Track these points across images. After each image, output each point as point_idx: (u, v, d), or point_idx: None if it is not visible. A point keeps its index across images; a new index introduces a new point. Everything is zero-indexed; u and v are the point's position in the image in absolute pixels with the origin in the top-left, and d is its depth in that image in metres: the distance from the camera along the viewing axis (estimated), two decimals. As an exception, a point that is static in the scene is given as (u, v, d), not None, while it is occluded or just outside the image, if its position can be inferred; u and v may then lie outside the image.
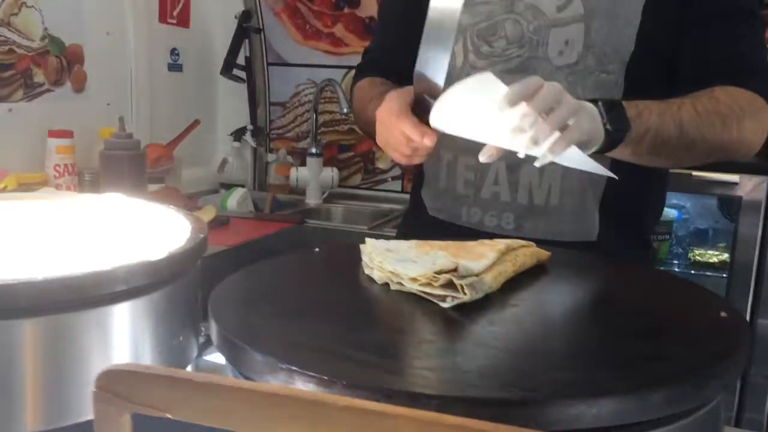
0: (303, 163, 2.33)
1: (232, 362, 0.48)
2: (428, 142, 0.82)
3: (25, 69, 1.67)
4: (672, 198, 1.80)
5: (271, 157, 2.46)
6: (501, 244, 0.68)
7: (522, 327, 0.54)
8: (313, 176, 2.26)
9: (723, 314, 0.54)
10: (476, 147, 1.02)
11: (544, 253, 0.71)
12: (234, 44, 2.30)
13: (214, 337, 0.53)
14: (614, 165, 0.95)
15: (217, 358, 0.84)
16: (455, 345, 0.49)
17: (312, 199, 2.26)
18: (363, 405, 0.33)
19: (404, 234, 1.22)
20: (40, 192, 0.89)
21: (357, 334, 0.49)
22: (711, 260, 1.67)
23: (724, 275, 1.71)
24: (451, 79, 1.06)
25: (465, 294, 0.56)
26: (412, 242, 0.71)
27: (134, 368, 0.37)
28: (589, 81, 0.96)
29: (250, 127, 2.43)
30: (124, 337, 0.64)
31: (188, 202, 1.75)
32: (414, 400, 0.36)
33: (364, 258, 0.69)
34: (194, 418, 0.36)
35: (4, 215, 0.76)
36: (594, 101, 0.81)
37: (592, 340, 0.51)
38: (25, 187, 1.53)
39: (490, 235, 1.02)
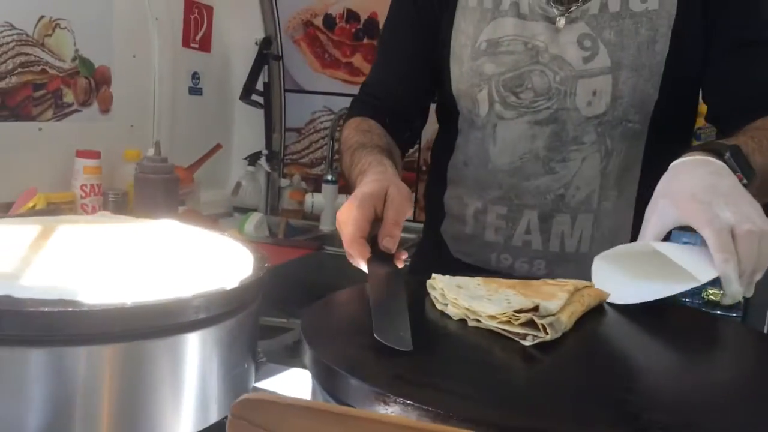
0: (316, 189, 2.36)
1: (331, 391, 0.49)
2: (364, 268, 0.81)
3: (55, 89, 1.69)
4: (683, 237, 1.83)
5: (284, 182, 2.48)
6: (569, 284, 0.70)
7: (603, 365, 0.56)
8: (328, 202, 2.28)
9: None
10: (508, 195, 1.04)
11: (605, 294, 0.74)
12: (253, 70, 2.34)
13: (307, 362, 0.55)
14: (641, 202, 0.97)
15: (267, 384, 0.86)
16: (543, 379, 0.51)
17: (326, 226, 2.28)
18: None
19: (424, 271, 1.22)
20: (97, 216, 0.91)
21: (452, 367, 0.51)
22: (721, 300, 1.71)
23: (734, 314, 1.73)
24: (474, 127, 1.07)
25: (547, 333, 0.58)
26: (478, 279, 0.73)
27: (271, 398, 0.39)
28: (617, 131, 0.98)
29: (265, 151, 2.46)
30: (194, 365, 0.65)
31: (210, 226, 1.76)
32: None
33: (434, 293, 0.71)
34: (330, 449, 0.38)
35: (68, 239, 0.77)
36: (717, 152, 0.76)
37: (691, 384, 0.54)
38: (54, 206, 1.54)
39: (522, 279, 1.05)
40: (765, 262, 0.66)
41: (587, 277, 1.02)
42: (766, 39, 0.96)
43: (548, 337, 0.58)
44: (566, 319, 0.61)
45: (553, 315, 0.59)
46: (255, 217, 2.12)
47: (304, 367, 0.93)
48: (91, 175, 1.67)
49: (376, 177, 0.88)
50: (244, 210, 2.33)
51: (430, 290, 0.73)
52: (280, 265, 1.72)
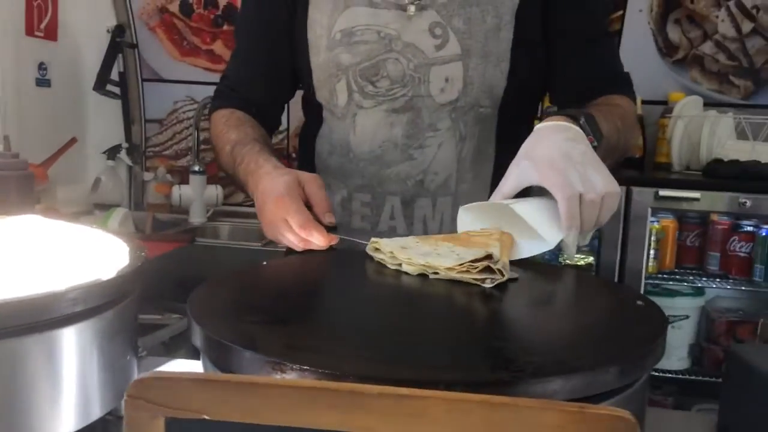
0: (183, 181, 2.29)
1: (225, 368, 0.50)
2: (327, 243, 0.86)
3: None
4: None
5: (148, 175, 2.39)
6: (494, 233, 0.78)
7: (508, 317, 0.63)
8: (197, 194, 2.22)
9: (639, 303, 0.64)
10: (371, 183, 1.06)
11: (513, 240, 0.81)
12: (107, 59, 2.23)
13: (199, 343, 0.54)
14: (495, 184, 1.03)
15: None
16: (430, 336, 0.55)
17: (196, 218, 2.22)
18: (396, 391, 0.38)
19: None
20: (-54, 215, 0.84)
21: (342, 332, 0.53)
22: (579, 263, 1.85)
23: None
24: (335, 117, 1.07)
25: (503, 275, 0.68)
26: (414, 237, 0.81)
27: (168, 374, 0.39)
28: (470, 116, 1.03)
29: (125, 145, 2.35)
30: (72, 360, 0.63)
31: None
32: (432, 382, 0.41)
33: (380, 255, 0.78)
34: (232, 417, 0.39)
35: None
36: (574, 118, 0.85)
37: (557, 329, 0.60)
38: None
39: None
40: (601, 221, 0.78)
41: None
42: (599, 32, 1.08)
43: (504, 278, 0.68)
44: (507, 261, 0.71)
45: (500, 260, 0.69)
46: (119, 213, 2.03)
47: (186, 357, 0.92)
48: (-72, 176, 1.52)
49: (277, 172, 0.92)
50: (106, 206, 2.22)
51: (373, 254, 0.79)
52: (151, 260, 1.66)
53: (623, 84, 1.07)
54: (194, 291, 0.65)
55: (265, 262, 0.79)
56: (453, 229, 1.06)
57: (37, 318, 0.59)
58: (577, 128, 0.83)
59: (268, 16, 1.10)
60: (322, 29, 1.04)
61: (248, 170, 0.97)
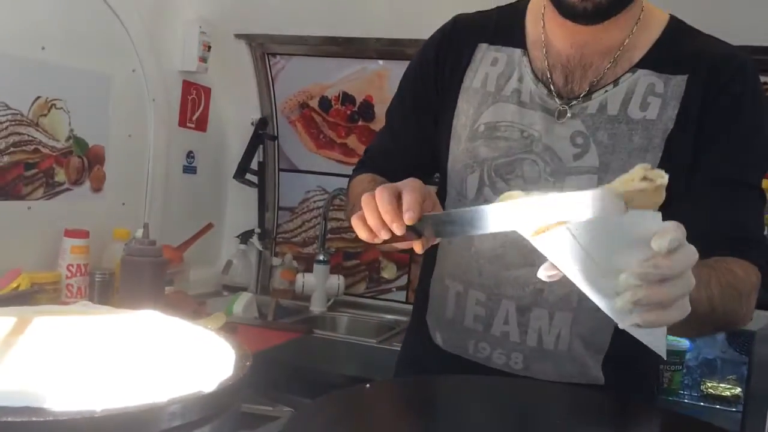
0: (307, 269, 2.33)
1: None
2: (397, 229, 0.78)
3: (47, 168, 1.69)
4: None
5: (276, 261, 2.46)
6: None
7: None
8: (319, 283, 2.25)
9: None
10: (488, 282, 1.03)
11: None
12: (249, 149, 2.36)
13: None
14: None
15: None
16: None
17: (317, 307, 2.24)
18: None
19: (405, 366, 1.20)
20: (77, 306, 0.88)
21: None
22: (724, 393, 1.66)
23: (734, 410, 1.68)
24: (451, 200, 1.05)
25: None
26: None
27: None
28: None
29: (257, 230, 2.45)
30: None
31: (198, 308, 1.73)
32: None
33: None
34: None
35: (42, 333, 0.74)
36: None
37: None
38: (38, 286, 1.51)
39: (498, 373, 1.02)
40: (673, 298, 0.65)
41: (567, 374, 1.00)
42: (744, 183, 0.96)
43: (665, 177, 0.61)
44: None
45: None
46: (244, 298, 2.08)
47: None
48: (78, 254, 1.64)
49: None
50: (234, 289, 2.30)
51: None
52: (267, 350, 1.68)
53: (753, 249, 0.93)
54: (294, 415, 0.61)
55: (368, 385, 0.75)
56: (572, 347, 0.98)
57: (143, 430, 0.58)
58: None
59: (419, 101, 1.12)
60: (467, 119, 1.05)
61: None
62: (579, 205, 0.61)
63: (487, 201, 1.00)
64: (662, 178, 0.63)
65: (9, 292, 1.44)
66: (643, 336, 0.70)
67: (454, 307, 1.06)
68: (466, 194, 1.04)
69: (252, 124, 2.38)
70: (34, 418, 0.53)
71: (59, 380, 0.60)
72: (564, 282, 0.96)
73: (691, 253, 0.65)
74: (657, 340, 0.71)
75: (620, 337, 0.98)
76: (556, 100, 1.00)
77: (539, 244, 0.67)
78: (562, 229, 0.63)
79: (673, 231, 0.63)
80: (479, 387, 0.84)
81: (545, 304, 0.99)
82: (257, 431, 1.43)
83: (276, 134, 2.45)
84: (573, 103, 0.99)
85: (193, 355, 0.74)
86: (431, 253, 1.12)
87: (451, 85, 1.07)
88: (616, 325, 0.97)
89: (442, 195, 1.11)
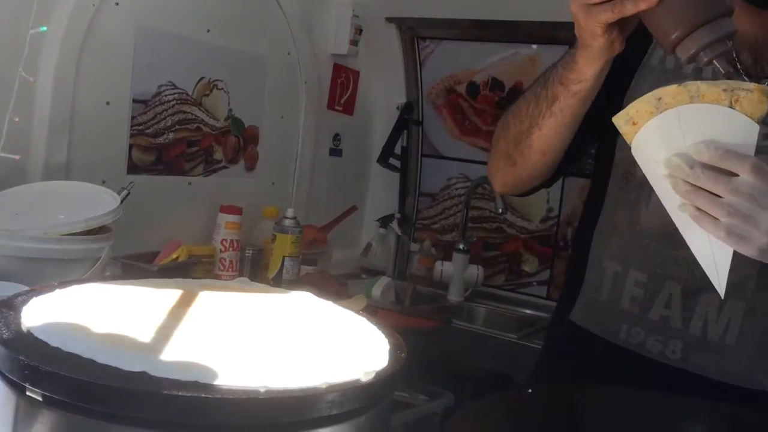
0: (446, 257, 2.30)
1: None
2: None
3: (207, 146, 1.77)
4: None
5: (414, 246, 2.45)
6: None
7: None
8: (458, 272, 2.21)
9: None
10: (652, 262, 0.96)
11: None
12: (393, 134, 2.35)
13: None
14: None
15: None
16: None
17: (454, 296, 2.21)
18: None
19: (548, 359, 1.15)
20: (236, 282, 0.90)
21: None
22: None
23: None
24: (629, 188, 0.99)
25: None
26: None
27: None
28: None
29: (397, 215, 2.45)
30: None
31: (340, 289, 1.75)
32: None
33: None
34: None
35: (207, 307, 0.76)
36: None
37: None
38: (195, 258, 1.58)
39: (648, 362, 0.95)
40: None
41: (731, 373, 0.89)
42: None
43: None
44: None
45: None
46: (383, 282, 2.09)
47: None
48: (231, 230, 1.71)
49: None
50: (373, 272, 2.32)
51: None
52: (406, 335, 1.66)
53: None
54: (455, 417, 0.58)
55: (530, 390, 0.70)
56: (741, 342, 0.89)
57: (298, 416, 0.58)
58: None
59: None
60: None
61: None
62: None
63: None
64: None
65: (169, 263, 1.52)
66: (703, 257, 0.73)
67: (610, 288, 1.00)
68: (635, 172, 0.98)
69: (397, 108, 2.38)
70: (203, 394, 0.54)
71: (223, 356, 0.61)
72: (739, 265, 0.88)
73: (764, 191, 0.67)
74: (717, 270, 0.72)
75: None
76: (745, 78, 0.91)
77: (638, 137, 0.72)
78: (671, 112, 0.69)
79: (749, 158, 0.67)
80: (634, 399, 0.77)
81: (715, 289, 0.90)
82: (393, 417, 1.42)
83: (421, 119, 2.43)
84: (764, 83, 0.90)
85: (347, 341, 0.73)
86: (585, 238, 1.07)
87: (629, 63, 1.00)
88: None
89: (604, 176, 1.05)
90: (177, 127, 1.67)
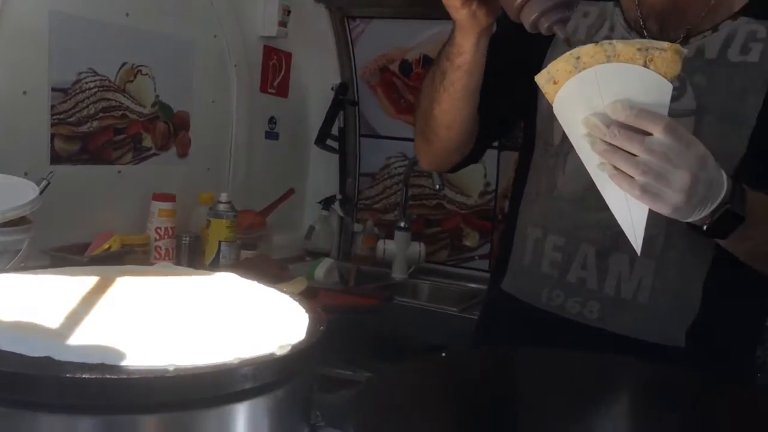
0: (389, 236, 2.31)
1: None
2: None
3: (135, 134, 1.73)
4: None
5: (357, 227, 2.45)
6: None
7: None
8: (400, 250, 2.23)
9: None
10: (567, 226, 1.01)
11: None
12: (329, 115, 2.34)
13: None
14: (718, 259, 0.91)
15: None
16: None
17: (398, 274, 2.22)
18: None
19: (482, 327, 1.18)
20: (157, 267, 0.89)
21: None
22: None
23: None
24: (548, 156, 1.04)
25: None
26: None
27: None
28: None
29: (339, 196, 2.45)
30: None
31: (280, 272, 1.74)
32: None
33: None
34: None
35: (122, 293, 0.75)
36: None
37: None
38: (128, 248, 1.55)
39: (570, 324, 0.98)
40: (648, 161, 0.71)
41: (644, 330, 0.93)
42: None
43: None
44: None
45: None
46: (325, 263, 2.09)
47: (371, 419, 0.87)
48: (165, 218, 1.68)
49: None
50: (317, 254, 2.31)
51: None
52: (348, 315, 1.68)
53: None
54: (361, 387, 0.59)
55: (444, 354, 0.72)
56: (653, 300, 0.93)
57: (208, 392, 0.57)
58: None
59: (506, 53, 1.07)
60: None
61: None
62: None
63: (572, 146, 0.98)
64: (683, 50, 0.71)
65: (101, 253, 1.49)
66: (621, 214, 0.76)
67: (532, 254, 1.03)
68: (552, 141, 1.02)
69: (332, 89, 2.37)
70: (108, 375, 0.53)
71: (134, 338, 0.60)
72: (648, 226, 0.91)
73: (676, 150, 0.70)
74: (633, 227, 0.75)
75: (712, 298, 0.92)
76: None
77: (558, 96, 0.74)
78: (589, 71, 0.71)
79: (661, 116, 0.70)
80: (551, 360, 0.79)
81: (626, 248, 0.93)
82: (337, 395, 1.43)
83: (356, 99, 2.43)
84: None
85: (267, 318, 0.73)
86: (513, 208, 1.11)
87: (542, 39, 1.02)
88: (707, 284, 0.91)
89: (529, 147, 1.08)
90: (101, 114, 1.62)
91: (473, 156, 1.13)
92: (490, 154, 2.23)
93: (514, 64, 1.01)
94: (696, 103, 0.91)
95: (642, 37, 0.97)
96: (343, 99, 2.36)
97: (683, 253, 0.93)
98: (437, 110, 0.99)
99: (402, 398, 0.60)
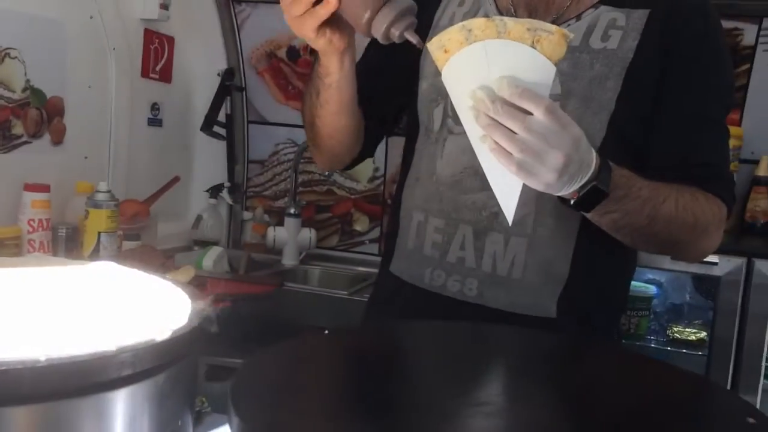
0: (279, 223, 2.31)
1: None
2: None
3: (4, 120, 1.63)
4: (647, 273, 1.83)
5: (247, 215, 2.43)
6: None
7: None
8: (290, 237, 2.23)
9: (750, 420, 0.54)
10: (446, 208, 1.05)
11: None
12: (216, 101, 2.30)
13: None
14: (583, 234, 0.99)
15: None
16: None
17: (289, 260, 2.23)
18: None
19: (371, 305, 1.21)
20: (28, 257, 0.85)
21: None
22: (690, 338, 1.69)
23: (700, 353, 1.72)
24: (428, 142, 1.07)
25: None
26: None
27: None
28: None
29: (227, 184, 2.41)
30: (121, 426, 0.60)
31: (165, 261, 1.70)
32: None
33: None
34: None
35: (-7, 283, 0.72)
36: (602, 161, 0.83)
37: None
38: (-3, 242, 1.47)
39: (452, 301, 1.03)
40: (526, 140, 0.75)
41: (519, 304, 1.00)
42: (707, 117, 0.99)
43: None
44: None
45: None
46: (214, 252, 2.05)
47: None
48: (39, 209, 1.60)
49: None
50: (205, 243, 2.27)
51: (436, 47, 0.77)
52: (238, 303, 1.66)
53: (716, 183, 0.98)
54: (241, 366, 0.60)
55: (327, 331, 0.74)
56: (526, 275, 0.99)
57: (83, 381, 0.56)
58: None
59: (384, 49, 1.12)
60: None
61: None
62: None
63: (451, 131, 1.04)
64: (569, 32, 0.74)
65: (-34, 248, 1.40)
66: (497, 186, 0.81)
67: (415, 237, 1.07)
68: (432, 128, 1.06)
69: (218, 75, 2.32)
70: (-28, 368, 0.51)
71: (5, 330, 0.58)
72: (521, 205, 0.97)
73: (553, 131, 0.75)
74: (507, 199, 0.81)
75: (578, 271, 0.99)
76: None
77: (448, 65, 0.77)
78: (479, 45, 0.73)
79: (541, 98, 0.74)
80: (429, 330, 0.83)
81: (501, 228, 0.99)
82: (226, 383, 1.42)
83: (244, 85, 2.40)
84: None
85: (149, 306, 0.72)
86: (397, 193, 1.15)
87: (421, 28, 1.06)
88: (574, 257, 0.99)
89: (413, 134, 1.12)
90: (-36, 100, 1.52)
91: (365, 154, 1.18)
92: (379, 141, 2.28)
93: (392, 57, 1.05)
94: (561, 88, 0.97)
95: None
96: (230, 85, 2.33)
97: (552, 230, 0.99)
98: (318, 123, 1.04)
99: (281, 376, 0.62)
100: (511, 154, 0.76)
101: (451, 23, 1.06)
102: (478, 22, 0.74)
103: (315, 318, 1.78)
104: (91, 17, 1.84)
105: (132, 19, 2.00)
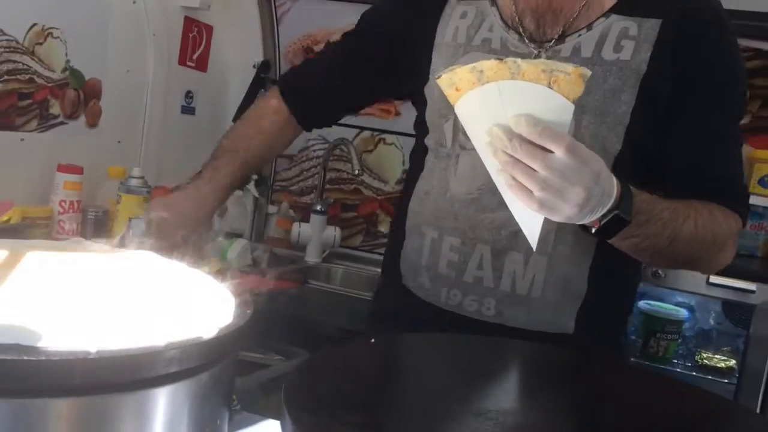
0: (304, 219, 2.29)
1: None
2: None
3: (42, 100, 1.63)
4: (677, 296, 1.80)
5: (272, 209, 2.42)
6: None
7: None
8: (315, 234, 2.21)
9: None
10: (462, 227, 1.03)
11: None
12: (250, 93, 2.29)
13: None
14: (601, 249, 0.97)
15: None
16: None
17: (312, 257, 2.21)
18: None
19: (379, 319, 1.19)
20: (70, 242, 0.84)
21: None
22: (719, 365, 1.66)
23: (726, 381, 1.69)
24: (439, 157, 1.06)
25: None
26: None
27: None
28: None
29: (254, 176, 2.40)
30: (162, 422, 0.59)
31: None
32: None
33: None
34: None
35: (35, 268, 0.71)
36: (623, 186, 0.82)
37: None
38: (29, 221, 1.47)
39: (469, 321, 1.02)
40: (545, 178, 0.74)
41: (537, 321, 0.99)
42: (723, 131, 0.98)
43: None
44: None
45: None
46: (238, 244, 2.04)
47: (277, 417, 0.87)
48: (71, 190, 1.60)
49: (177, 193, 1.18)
50: (230, 234, 2.26)
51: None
52: (261, 297, 1.65)
53: (732, 196, 0.96)
54: (293, 371, 0.59)
55: (373, 340, 0.72)
56: (545, 294, 0.97)
57: (130, 376, 0.55)
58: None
59: (382, 33, 1.14)
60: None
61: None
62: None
63: (463, 147, 1.01)
64: (587, 70, 0.73)
65: (0, 225, 1.40)
66: (518, 214, 0.80)
67: (429, 255, 1.05)
68: (444, 143, 1.04)
69: (254, 67, 2.31)
70: (24, 357, 0.50)
71: (52, 318, 0.57)
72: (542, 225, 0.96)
73: (574, 168, 0.73)
74: (531, 225, 0.80)
75: (595, 285, 0.98)
76: (528, 44, 1.00)
77: (461, 102, 0.76)
78: (492, 85, 0.72)
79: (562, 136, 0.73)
80: (481, 344, 0.82)
81: (521, 247, 0.98)
82: (247, 378, 1.41)
83: (278, 79, 2.39)
84: (546, 47, 0.99)
85: (192, 300, 0.71)
86: (404, 203, 1.13)
87: (423, 43, 1.07)
88: (591, 271, 0.97)
89: (421, 143, 1.11)
90: (6, 77, 1.52)
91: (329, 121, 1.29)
92: (409, 142, 2.26)
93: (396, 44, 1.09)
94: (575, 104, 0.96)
95: (520, 36, 1.00)
96: (264, 77, 2.32)
97: (572, 246, 0.98)
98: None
99: (333, 384, 0.60)
100: (530, 191, 0.74)
101: (454, 40, 1.04)
102: (489, 64, 0.73)
103: (336, 318, 1.76)
104: (134, 2, 1.84)
105: (174, 6, 2.00)
